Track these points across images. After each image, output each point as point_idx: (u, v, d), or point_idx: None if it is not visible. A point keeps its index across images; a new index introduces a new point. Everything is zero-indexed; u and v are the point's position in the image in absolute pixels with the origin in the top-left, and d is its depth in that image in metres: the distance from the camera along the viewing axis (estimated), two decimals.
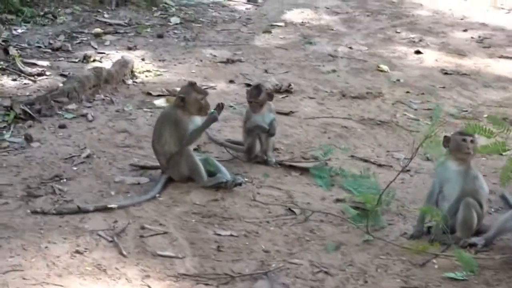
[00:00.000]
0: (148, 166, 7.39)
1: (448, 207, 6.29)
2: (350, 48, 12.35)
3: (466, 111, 9.65)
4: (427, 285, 5.67)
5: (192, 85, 7.02)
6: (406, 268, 5.91)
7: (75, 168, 7.31)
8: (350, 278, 5.71)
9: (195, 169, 6.99)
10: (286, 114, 9.08)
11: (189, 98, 6.94)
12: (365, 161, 7.88)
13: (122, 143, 8.00)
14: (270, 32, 13.06)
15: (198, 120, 7.06)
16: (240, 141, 7.85)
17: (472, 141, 6.19)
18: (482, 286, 5.70)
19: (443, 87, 10.55)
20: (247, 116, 7.65)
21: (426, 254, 6.04)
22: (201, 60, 11.18)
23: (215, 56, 11.45)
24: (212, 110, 6.99)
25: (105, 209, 6.53)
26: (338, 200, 6.98)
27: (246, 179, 7.10)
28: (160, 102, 9.18)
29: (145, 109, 8.99)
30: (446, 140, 6.37)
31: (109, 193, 6.85)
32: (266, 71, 10.80)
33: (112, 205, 6.53)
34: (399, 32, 13.70)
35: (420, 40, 13.11)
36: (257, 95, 7.51)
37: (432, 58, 12.01)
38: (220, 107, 7.00)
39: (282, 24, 13.80)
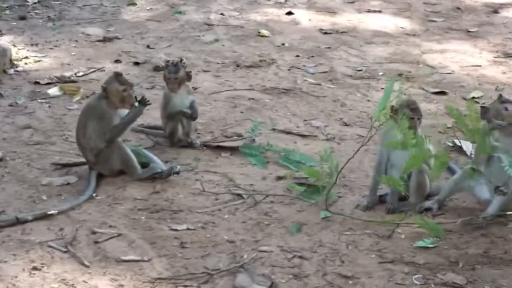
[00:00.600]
0: (71, 163, 6.97)
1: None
2: (222, 14, 12.12)
3: (361, 70, 9.62)
4: (402, 256, 5.63)
5: (116, 75, 6.62)
6: (375, 241, 5.85)
7: None
8: (326, 259, 5.60)
9: (128, 162, 6.64)
10: None
11: (111, 88, 6.56)
12: (288, 133, 7.78)
13: (30, 140, 7.50)
14: (135, 4, 12.62)
15: (125, 112, 6.64)
16: (157, 125, 7.49)
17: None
18: (453, 251, 5.72)
19: (329, 48, 10.53)
20: (165, 99, 7.34)
21: (388, 225, 5.97)
22: (76, 41, 10.65)
23: (88, 35, 10.95)
24: (137, 104, 6.57)
25: (45, 217, 6.08)
26: (279, 178, 6.81)
27: (179, 166, 6.68)
28: (54, 91, 8.69)
29: (39, 100, 8.49)
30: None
31: (40, 198, 6.41)
32: (148, 46, 10.44)
33: (52, 211, 6.14)
34: None
35: (286, 1, 13.00)
36: (176, 71, 7.21)
37: (305, 18, 11.98)
38: (144, 100, 6.61)
39: None
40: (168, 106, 7.28)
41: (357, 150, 6.20)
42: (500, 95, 6.23)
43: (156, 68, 9.44)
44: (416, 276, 5.39)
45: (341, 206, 6.38)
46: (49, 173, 6.83)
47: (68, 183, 6.66)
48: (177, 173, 6.63)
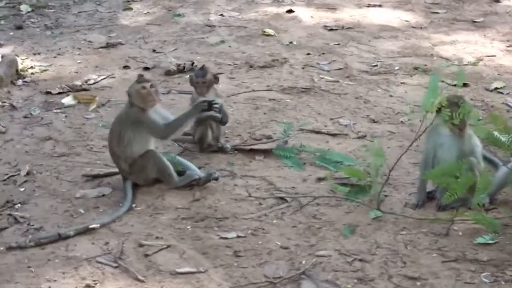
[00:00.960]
0: (102, 174, 6.73)
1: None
2: (222, 15, 11.90)
3: (376, 65, 9.45)
4: (465, 254, 5.47)
5: (138, 76, 6.38)
6: (433, 240, 5.68)
7: (22, 189, 6.54)
8: (387, 261, 5.42)
9: (164, 170, 6.41)
10: None
11: (131, 91, 6.34)
12: (317, 132, 7.58)
13: (54, 152, 7.24)
14: (131, 8, 12.35)
15: (161, 109, 6.41)
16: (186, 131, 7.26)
17: None
18: None
19: (338, 44, 10.35)
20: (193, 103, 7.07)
21: (443, 222, 5.79)
22: (79, 48, 10.37)
23: (90, 41, 10.67)
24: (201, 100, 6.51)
25: (87, 231, 5.80)
26: (320, 179, 6.62)
27: (217, 172, 6.47)
28: (68, 100, 8.43)
29: (54, 111, 8.23)
30: None
31: (78, 212, 6.15)
32: (154, 50, 10.19)
33: (94, 225, 5.87)
34: None
35: None
36: (204, 75, 6.99)
37: (306, 15, 11.79)
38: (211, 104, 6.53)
39: None
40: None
41: (405, 151, 6.08)
42: None
43: (168, 72, 9.22)
44: (484, 274, 5.23)
45: (390, 205, 6.18)
46: (81, 185, 6.58)
47: (103, 195, 6.41)
48: (216, 179, 6.41)
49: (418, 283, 5.16)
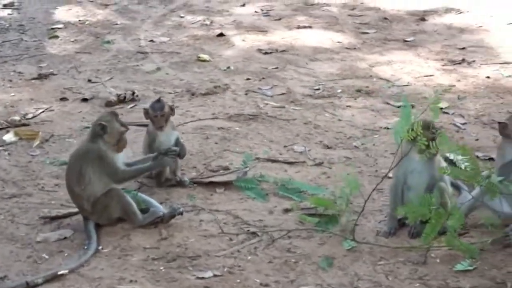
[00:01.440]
0: (60, 215, 6.48)
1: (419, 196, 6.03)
2: (152, 41, 11.69)
3: (318, 89, 9.43)
4: (447, 283, 5.47)
5: (114, 114, 6.17)
6: (412, 269, 5.68)
7: None
8: None
9: (128, 209, 6.22)
10: None
11: (111, 128, 6.09)
12: (273, 161, 7.45)
13: (4, 193, 6.98)
14: (57, 36, 12.02)
15: (121, 156, 6.20)
16: None
17: None
18: (495, 271, 5.61)
19: (276, 68, 10.29)
20: (150, 138, 6.92)
21: (418, 250, 5.75)
22: (10, 80, 10.03)
23: (21, 73, 10.34)
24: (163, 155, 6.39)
25: (55, 278, 5.52)
26: (286, 210, 6.50)
27: (181, 207, 6.33)
28: (9, 137, 8.14)
29: None
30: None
31: (41, 257, 5.91)
32: (89, 80, 9.92)
33: (62, 271, 5.61)
34: (183, 17, 13.18)
35: (212, 22, 12.71)
36: (161, 108, 6.82)
37: (238, 39, 11.72)
38: (172, 151, 6.39)
39: (60, 26, 12.75)
40: (153, 145, 6.85)
41: (381, 181, 5.98)
42: None
43: (109, 103, 8.99)
44: None
45: (362, 234, 6.14)
46: (39, 228, 6.33)
47: (65, 238, 6.18)
48: (181, 213, 6.26)
49: None
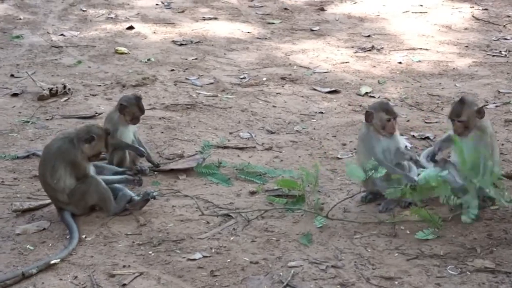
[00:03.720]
0: (33, 207, 6.55)
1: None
2: (63, 35, 11.69)
3: (244, 78, 9.76)
4: (422, 251, 5.89)
5: (107, 132, 6.53)
6: (387, 241, 6.08)
7: None
8: (358, 265, 5.73)
9: (106, 196, 6.39)
10: (91, 117, 8.47)
11: (97, 143, 6.43)
12: (224, 147, 7.71)
13: None
14: None
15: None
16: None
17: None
18: (462, 238, 6.07)
19: (196, 59, 10.54)
20: (114, 129, 7.04)
21: (386, 224, 6.19)
22: None
23: None
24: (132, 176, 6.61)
25: (49, 267, 5.64)
26: (253, 193, 6.80)
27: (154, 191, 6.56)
28: None
29: None
30: (368, 115, 6.55)
31: (26, 249, 6.01)
32: (12, 75, 9.84)
33: (55, 260, 5.72)
34: (85, 10, 13.22)
35: (117, 16, 12.79)
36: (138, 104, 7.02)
37: (148, 31, 11.90)
38: (143, 172, 6.75)
39: None
40: (115, 135, 6.99)
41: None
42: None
43: (41, 97, 9.04)
44: (449, 267, 5.61)
45: (330, 211, 6.43)
46: (13, 221, 6.38)
47: (44, 229, 6.25)
48: (154, 197, 6.43)
49: (396, 282, 5.47)
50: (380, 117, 6.47)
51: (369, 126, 6.53)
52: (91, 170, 6.34)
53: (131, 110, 6.91)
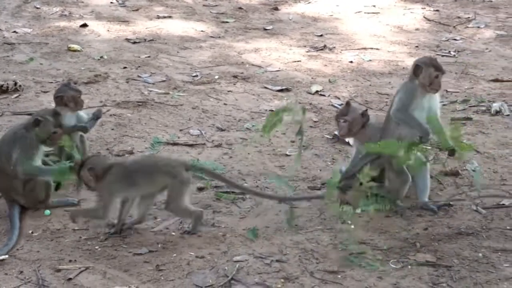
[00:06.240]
0: None
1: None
2: (15, 32, 11.65)
3: (196, 76, 9.83)
4: (366, 244, 5.93)
5: (57, 114, 6.60)
6: (332, 235, 6.14)
7: None
8: (302, 259, 5.82)
9: (49, 191, 6.43)
10: None
11: (44, 125, 6.53)
12: (174, 144, 7.77)
13: None
14: None
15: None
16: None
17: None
18: (405, 233, 6.20)
19: (149, 57, 10.59)
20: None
21: (331, 219, 6.32)
22: None
23: None
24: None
25: None
26: (201, 189, 6.87)
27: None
28: None
29: None
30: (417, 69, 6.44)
31: None
32: None
33: (3, 256, 5.74)
34: (39, 8, 13.17)
35: (70, 13, 12.81)
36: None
37: (102, 29, 11.89)
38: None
39: None
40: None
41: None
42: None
43: None
44: (391, 261, 5.72)
45: (278, 207, 6.52)
46: None
47: None
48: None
49: (339, 276, 5.57)
50: (430, 73, 6.38)
51: (414, 80, 6.44)
52: (37, 159, 6.39)
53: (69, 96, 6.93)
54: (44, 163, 6.55)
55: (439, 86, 6.46)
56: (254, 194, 6.41)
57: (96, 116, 7.07)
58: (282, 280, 5.48)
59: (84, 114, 7.17)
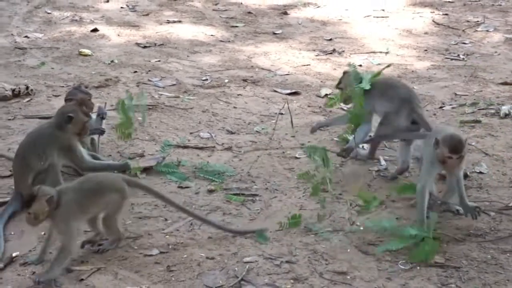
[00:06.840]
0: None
1: None
2: (27, 37, 11.77)
3: (206, 79, 9.89)
4: (374, 247, 5.98)
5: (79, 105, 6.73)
6: (342, 236, 6.17)
7: None
8: (312, 260, 5.85)
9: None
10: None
11: (76, 118, 6.70)
12: (184, 147, 7.82)
13: None
14: None
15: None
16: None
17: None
18: None
19: (159, 61, 10.66)
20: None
21: (341, 220, 6.35)
22: None
23: None
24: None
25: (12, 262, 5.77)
26: (211, 191, 6.91)
27: None
28: None
29: None
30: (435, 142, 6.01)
31: None
32: None
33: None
34: (50, 13, 13.27)
35: (81, 18, 12.88)
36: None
37: (113, 34, 11.98)
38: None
39: None
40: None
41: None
42: None
43: (4, 98, 9.08)
44: (400, 262, 5.76)
45: (287, 209, 6.57)
46: None
47: None
48: None
49: (348, 277, 5.61)
50: (442, 151, 5.99)
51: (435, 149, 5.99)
52: (86, 154, 6.76)
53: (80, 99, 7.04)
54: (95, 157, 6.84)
55: (451, 168, 6.10)
56: (194, 217, 6.39)
57: (101, 116, 7.14)
58: (292, 281, 5.53)
59: (93, 116, 7.20)
